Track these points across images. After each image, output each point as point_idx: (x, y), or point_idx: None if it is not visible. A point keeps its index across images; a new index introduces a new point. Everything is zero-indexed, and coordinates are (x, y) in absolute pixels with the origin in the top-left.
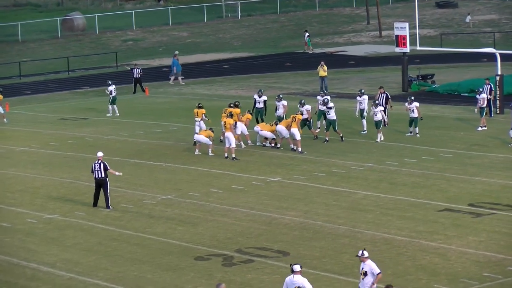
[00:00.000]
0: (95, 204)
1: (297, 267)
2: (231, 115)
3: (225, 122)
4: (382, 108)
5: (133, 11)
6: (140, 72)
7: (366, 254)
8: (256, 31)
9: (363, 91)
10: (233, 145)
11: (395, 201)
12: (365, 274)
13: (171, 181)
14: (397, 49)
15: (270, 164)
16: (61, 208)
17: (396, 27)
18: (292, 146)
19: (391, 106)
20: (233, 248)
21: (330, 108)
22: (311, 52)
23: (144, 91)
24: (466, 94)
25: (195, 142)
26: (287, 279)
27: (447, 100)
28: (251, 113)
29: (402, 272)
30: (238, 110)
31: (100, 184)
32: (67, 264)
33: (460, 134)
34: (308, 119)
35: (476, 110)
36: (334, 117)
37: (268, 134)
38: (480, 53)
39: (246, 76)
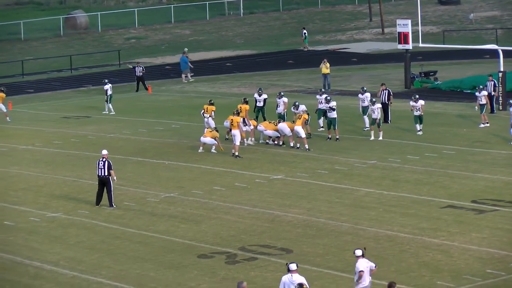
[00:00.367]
0: (98, 203)
1: (293, 266)
2: (238, 113)
3: (232, 120)
4: (380, 106)
5: (136, 9)
6: (143, 70)
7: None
8: (258, 29)
9: (365, 88)
10: (237, 143)
11: (398, 198)
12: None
13: (174, 179)
14: (400, 46)
15: (273, 161)
16: (64, 206)
17: (398, 24)
18: (292, 144)
19: (391, 103)
20: (236, 246)
21: (333, 109)
22: (306, 50)
23: (146, 89)
24: (469, 91)
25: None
26: (284, 278)
27: (449, 96)
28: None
29: (405, 269)
30: (247, 107)
31: (103, 182)
32: (70, 262)
33: (462, 131)
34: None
35: (476, 107)
36: (335, 116)
37: (271, 133)
38: (482, 49)
39: (249, 74)
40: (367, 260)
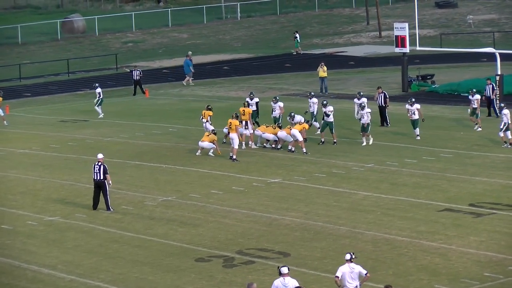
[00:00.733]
0: (95, 207)
1: (285, 269)
2: (236, 116)
3: (230, 123)
4: (370, 110)
5: (133, 12)
6: (140, 74)
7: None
8: (256, 32)
9: (361, 93)
10: (236, 146)
11: (396, 202)
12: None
13: (172, 182)
14: (397, 50)
15: (271, 165)
16: (62, 210)
17: (395, 28)
18: (290, 147)
19: (387, 106)
20: (234, 249)
21: (329, 115)
22: (295, 53)
23: (144, 92)
24: (466, 94)
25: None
26: (277, 282)
27: (447, 100)
28: (237, 117)
29: (403, 273)
30: (250, 110)
31: (99, 186)
32: (68, 266)
33: (460, 134)
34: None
35: (469, 110)
36: (332, 120)
37: (271, 137)
38: (480, 53)
39: (246, 77)
40: (354, 265)
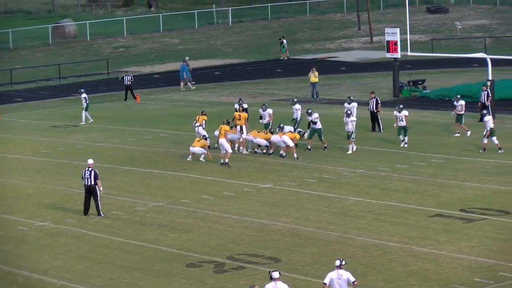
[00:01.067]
0: (86, 212)
1: (276, 274)
2: (227, 122)
3: (220, 128)
4: (354, 119)
5: (124, 17)
6: (131, 79)
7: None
8: (247, 38)
9: (352, 98)
10: (230, 150)
11: (387, 207)
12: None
13: (163, 188)
14: (388, 55)
15: (262, 170)
16: (52, 215)
17: (387, 33)
18: (281, 152)
19: (379, 111)
20: (224, 255)
21: (315, 122)
22: (283, 58)
23: (135, 98)
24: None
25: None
26: (268, 286)
27: (438, 105)
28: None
29: (394, 278)
30: (245, 115)
31: (90, 191)
32: (59, 272)
33: (451, 140)
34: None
35: (452, 113)
36: (320, 126)
37: (263, 142)
38: (471, 58)
39: (238, 83)
40: (343, 272)
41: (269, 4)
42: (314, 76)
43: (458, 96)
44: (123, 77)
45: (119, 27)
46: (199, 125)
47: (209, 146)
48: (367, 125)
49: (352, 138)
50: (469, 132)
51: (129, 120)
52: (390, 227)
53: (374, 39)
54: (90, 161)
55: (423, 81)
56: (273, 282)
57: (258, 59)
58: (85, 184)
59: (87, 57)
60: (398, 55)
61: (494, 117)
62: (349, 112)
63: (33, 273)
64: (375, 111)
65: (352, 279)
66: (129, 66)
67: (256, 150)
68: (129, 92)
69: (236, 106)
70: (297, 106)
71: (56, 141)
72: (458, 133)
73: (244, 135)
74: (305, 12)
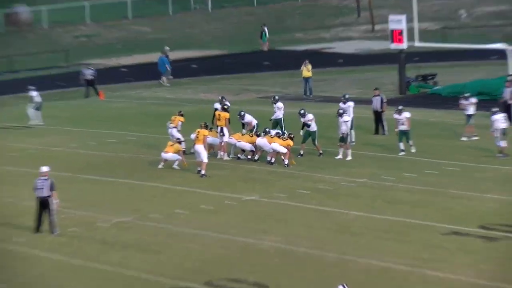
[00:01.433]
0: (38, 229)
1: None
2: (206, 126)
3: (198, 132)
4: (348, 119)
5: (87, 2)
6: (94, 73)
7: None
8: (229, 26)
9: (347, 96)
10: (205, 159)
11: (392, 223)
12: None
13: (129, 200)
14: (393, 46)
15: (246, 179)
16: None
17: (391, 20)
18: (269, 158)
19: (384, 111)
20: (201, 280)
21: (309, 125)
22: (267, 49)
23: (98, 94)
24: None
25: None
26: None
27: (451, 104)
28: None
29: None
30: (227, 115)
31: (44, 204)
32: None
33: (467, 144)
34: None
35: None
36: (315, 128)
37: (247, 146)
38: (489, 49)
39: (218, 78)
40: None
41: None
42: (307, 70)
43: (468, 94)
44: (84, 71)
45: (80, 13)
46: (174, 127)
47: (184, 151)
48: (369, 127)
49: (350, 142)
50: (465, 138)
51: (90, 121)
52: (396, 247)
53: (376, 27)
54: (45, 169)
55: (434, 75)
56: None
57: (241, 50)
58: (37, 196)
59: (43, 47)
60: (404, 46)
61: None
62: (340, 111)
63: None
64: (380, 110)
65: None
66: (92, 58)
67: (239, 155)
68: (91, 88)
69: (217, 105)
70: (279, 104)
71: (6, 144)
72: (476, 135)
73: (226, 138)
74: None
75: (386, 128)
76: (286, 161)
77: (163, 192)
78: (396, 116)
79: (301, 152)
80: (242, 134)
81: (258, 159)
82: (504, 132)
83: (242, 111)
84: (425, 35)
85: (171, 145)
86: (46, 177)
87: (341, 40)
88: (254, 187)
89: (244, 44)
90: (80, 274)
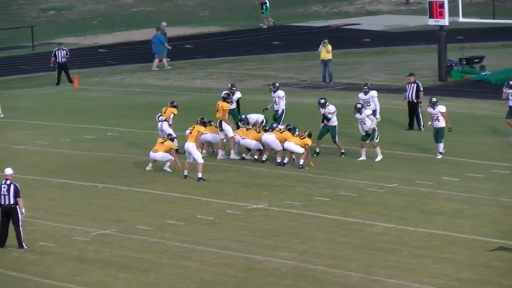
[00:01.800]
0: (1, 243)
1: None
2: (203, 122)
3: (192, 128)
4: (370, 112)
5: None
6: (66, 54)
7: None
8: None
9: (369, 85)
10: (200, 160)
11: (429, 237)
12: None
13: (111, 209)
14: (431, 22)
15: (252, 184)
16: None
17: None
18: (278, 159)
19: (420, 102)
20: None
21: (330, 118)
22: (270, 24)
23: (71, 81)
24: None
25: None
26: None
27: (501, 92)
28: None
29: None
30: (226, 106)
31: (9, 214)
32: None
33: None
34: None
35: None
36: (336, 123)
37: (253, 144)
38: None
39: (217, 60)
40: None
41: None
42: (326, 52)
43: (511, 82)
44: (54, 50)
45: None
46: (164, 120)
47: (177, 150)
48: (401, 121)
49: (376, 139)
50: None
51: (63, 113)
52: (434, 266)
53: None
54: (9, 171)
55: (481, 58)
56: None
57: (245, 27)
58: (1, 204)
59: (3, 24)
60: (445, 21)
61: None
62: (359, 106)
63: None
64: (415, 101)
65: None
66: (63, 37)
67: (244, 155)
68: (63, 73)
69: (224, 94)
70: (280, 93)
71: None
72: None
73: (230, 134)
74: None
75: (422, 122)
76: (301, 162)
77: (152, 199)
78: (429, 110)
79: (317, 150)
80: (247, 129)
81: (266, 159)
82: None
83: (243, 115)
84: (471, 9)
85: (162, 142)
86: (9, 182)
87: (368, 15)
88: (262, 194)
89: (248, 20)
90: None
